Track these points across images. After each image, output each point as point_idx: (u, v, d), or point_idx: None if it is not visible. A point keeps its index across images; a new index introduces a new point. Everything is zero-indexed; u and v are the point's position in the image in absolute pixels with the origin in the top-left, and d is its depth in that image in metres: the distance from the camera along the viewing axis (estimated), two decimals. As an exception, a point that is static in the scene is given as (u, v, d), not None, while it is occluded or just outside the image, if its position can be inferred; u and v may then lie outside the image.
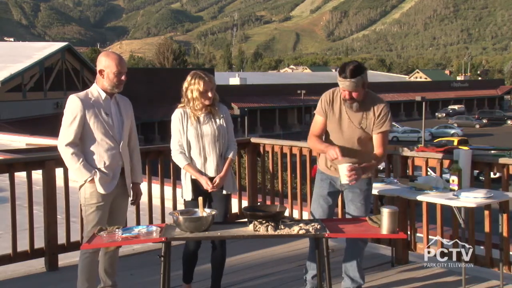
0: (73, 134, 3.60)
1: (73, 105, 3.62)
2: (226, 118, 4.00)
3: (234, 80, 67.20)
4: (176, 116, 3.92)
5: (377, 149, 3.79)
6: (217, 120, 3.95)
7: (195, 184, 3.91)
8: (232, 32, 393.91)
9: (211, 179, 3.88)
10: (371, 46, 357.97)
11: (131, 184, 3.92)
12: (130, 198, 3.96)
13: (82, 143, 3.66)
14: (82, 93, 3.69)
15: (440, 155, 4.63)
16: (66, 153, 3.62)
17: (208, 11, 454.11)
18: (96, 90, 3.70)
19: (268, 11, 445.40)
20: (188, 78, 3.91)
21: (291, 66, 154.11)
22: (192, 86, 3.86)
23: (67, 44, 44.42)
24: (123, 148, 3.76)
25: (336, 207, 5.63)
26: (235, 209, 5.91)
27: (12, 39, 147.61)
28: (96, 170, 3.65)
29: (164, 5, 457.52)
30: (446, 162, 4.56)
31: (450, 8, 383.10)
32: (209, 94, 3.87)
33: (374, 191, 4.48)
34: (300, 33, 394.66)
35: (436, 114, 68.07)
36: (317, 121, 3.87)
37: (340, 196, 5.31)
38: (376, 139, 3.78)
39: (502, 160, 4.28)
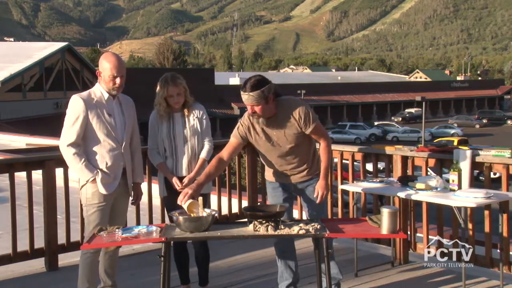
0: (76, 134, 3.61)
1: (75, 105, 3.62)
2: (200, 118, 4.07)
3: (234, 80, 67.18)
4: (152, 117, 4.06)
5: (320, 143, 3.83)
6: (191, 121, 4.03)
7: (168, 182, 4.04)
8: (232, 32, 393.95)
9: (183, 178, 3.99)
10: (371, 46, 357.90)
11: (132, 184, 3.92)
12: (131, 198, 3.96)
13: (84, 143, 3.66)
14: (84, 93, 3.69)
15: (440, 155, 4.63)
16: (68, 154, 3.62)
17: (208, 11, 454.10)
18: (99, 90, 3.71)
19: (268, 11, 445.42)
20: (158, 82, 4.00)
21: (291, 66, 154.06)
22: (159, 91, 3.98)
23: (67, 44, 44.40)
24: (125, 149, 3.77)
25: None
26: (235, 209, 5.92)
27: (12, 39, 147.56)
28: (98, 170, 3.65)
29: (164, 5, 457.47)
30: (446, 162, 4.57)
31: (450, 8, 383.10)
32: (175, 99, 3.95)
33: (375, 191, 4.49)
34: (300, 33, 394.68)
35: (392, 118, 62.72)
36: (230, 142, 3.83)
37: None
38: (314, 136, 3.79)
39: (502, 160, 4.28)
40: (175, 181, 3.97)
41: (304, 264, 4.35)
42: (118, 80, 3.65)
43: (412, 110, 65.47)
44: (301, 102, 3.75)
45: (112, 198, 3.74)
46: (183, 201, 3.40)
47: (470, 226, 4.35)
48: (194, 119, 4.05)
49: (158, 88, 3.98)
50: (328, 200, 4.08)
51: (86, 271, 3.73)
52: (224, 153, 3.78)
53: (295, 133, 3.71)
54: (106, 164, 3.68)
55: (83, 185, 3.69)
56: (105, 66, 3.64)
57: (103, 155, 3.67)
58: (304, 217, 5.35)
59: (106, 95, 3.70)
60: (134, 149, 3.92)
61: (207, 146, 4.09)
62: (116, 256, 3.94)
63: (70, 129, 3.62)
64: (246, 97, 3.56)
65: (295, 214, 5.73)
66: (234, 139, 3.82)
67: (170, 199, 4.01)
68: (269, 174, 4.00)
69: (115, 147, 3.70)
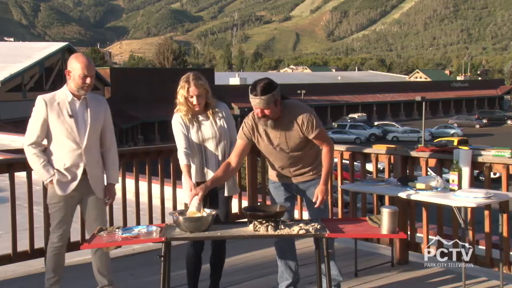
0: (36, 135, 3.72)
1: (38, 106, 3.73)
2: (227, 118, 3.96)
3: (234, 80, 67.23)
4: (177, 121, 3.89)
5: (322, 148, 3.81)
6: (217, 121, 3.91)
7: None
8: (232, 32, 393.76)
9: None
10: (371, 46, 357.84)
11: (106, 185, 3.92)
12: (106, 199, 3.95)
13: (47, 143, 3.77)
14: (49, 94, 3.78)
15: (440, 155, 4.63)
16: (29, 153, 3.75)
17: (208, 11, 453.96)
18: (64, 92, 3.78)
19: (268, 11, 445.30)
20: (180, 80, 3.87)
21: (291, 66, 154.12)
22: (180, 90, 3.83)
23: (67, 44, 44.50)
24: (87, 150, 3.76)
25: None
26: (235, 209, 5.91)
27: (12, 39, 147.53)
28: (55, 171, 3.72)
29: (164, 5, 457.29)
30: (446, 162, 4.57)
31: (450, 8, 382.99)
32: (195, 101, 3.79)
33: (375, 190, 4.49)
34: (300, 33, 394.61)
35: (333, 124, 57.17)
36: (237, 144, 3.81)
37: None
38: (316, 141, 3.78)
39: (502, 160, 4.28)
40: (190, 187, 3.69)
41: (304, 265, 4.35)
42: (88, 80, 3.71)
43: (355, 115, 62.13)
44: (306, 108, 3.75)
45: (73, 199, 3.81)
46: (189, 200, 3.47)
47: (470, 226, 4.35)
48: (220, 119, 3.93)
49: (179, 87, 3.83)
50: (329, 200, 4.08)
51: (51, 263, 3.89)
52: (232, 157, 3.77)
53: (298, 137, 3.71)
54: (64, 164, 3.74)
55: (45, 184, 3.81)
56: (76, 66, 3.70)
57: (62, 155, 3.73)
58: (305, 217, 5.36)
59: (69, 97, 3.76)
60: (107, 149, 3.92)
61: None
62: (106, 255, 3.96)
63: (32, 129, 3.73)
64: (258, 101, 3.55)
65: (295, 214, 5.74)
66: (240, 141, 3.80)
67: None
68: (271, 174, 4.00)
69: (75, 148, 3.73)
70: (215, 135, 3.88)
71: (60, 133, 3.71)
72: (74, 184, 3.76)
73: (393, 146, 5.04)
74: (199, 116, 3.89)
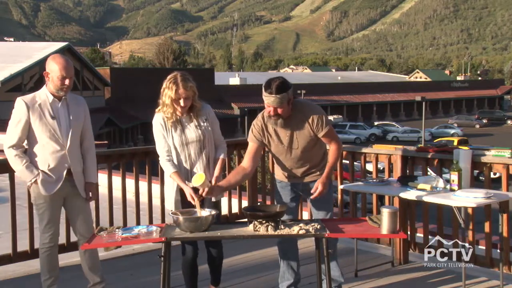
0: (17, 137, 3.71)
1: (18, 108, 3.72)
2: (211, 120, 3.78)
3: (234, 80, 67.15)
4: (158, 122, 3.69)
5: (330, 146, 3.84)
6: (201, 124, 3.72)
7: (181, 194, 3.72)
8: (232, 32, 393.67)
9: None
10: (371, 46, 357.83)
11: (86, 183, 3.92)
12: (85, 197, 3.94)
13: (28, 145, 3.76)
14: (29, 96, 3.77)
15: (440, 155, 4.63)
16: (10, 155, 3.73)
17: (208, 11, 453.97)
18: (44, 93, 3.77)
19: (268, 11, 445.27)
20: (166, 80, 3.64)
21: (291, 66, 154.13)
22: (166, 91, 3.60)
23: (67, 44, 44.38)
24: (70, 151, 3.77)
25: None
26: (235, 209, 5.92)
27: (12, 39, 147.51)
28: (39, 172, 3.71)
29: (164, 5, 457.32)
30: (446, 162, 4.57)
31: (450, 8, 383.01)
32: (181, 103, 3.59)
33: (375, 190, 4.49)
34: (300, 33, 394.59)
35: None
36: (248, 148, 3.80)
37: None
38: (325, 139, 3.81)
39: (502, 160, 4.28)
40: (190, 193, 3.58)
41: (304, 265, 4.35)
42: (67, 81, 3.70)
43: (331, 117, 60.02)
44: (315, 107, 3.79)
45: (58, 198, 3.81)
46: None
47: (470, 226, 4.35)
48: (204, 121, 3.74)
49: (164, 87, 3.62)
50: (331, 204, 4.08)
51: (45, 264, 3.91)
52: (245, 161, 3.76)
53: (308, 135, 3.73)
54: (49, 165, 3.73)
55: (28, 186, 3.79)
56: (54, 67, 3.68)
57: (45, 157, 3.73)
58: (305, 217, 5.37)
59: (50, 98, 3.74)
60: (86, 149, 3.92)
61: (224, 146, 3.87)
62: (95, 254, 3.97)
63: (13, 131, 3.72)
64: (273, 99, 3.56)
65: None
66: (252, 143, 3.80)
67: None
68: (279, 174, 3.99)
69: (59, 149, 3.74)
70: (199, 138, 3.70)
71: (43, 134, 3.70)
72: (58, 185, 3.76)
73: (401, 147, 5.01)
74: (183, 118, 3.71)
